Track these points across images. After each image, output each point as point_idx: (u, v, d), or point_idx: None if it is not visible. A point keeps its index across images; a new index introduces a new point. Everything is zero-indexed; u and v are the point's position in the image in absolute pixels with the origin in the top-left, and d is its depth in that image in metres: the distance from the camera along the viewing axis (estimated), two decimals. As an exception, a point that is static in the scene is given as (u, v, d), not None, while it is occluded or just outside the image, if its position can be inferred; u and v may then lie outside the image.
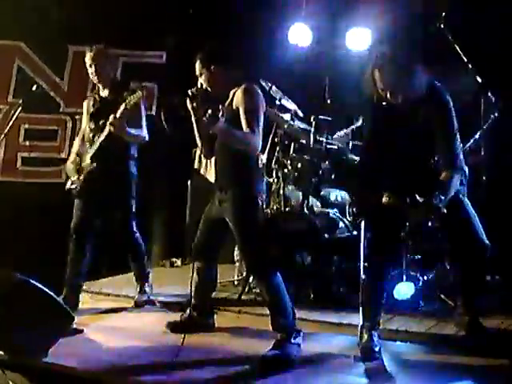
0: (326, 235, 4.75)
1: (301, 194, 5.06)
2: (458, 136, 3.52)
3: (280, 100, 5.29)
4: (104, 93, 4.63)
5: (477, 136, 4.62)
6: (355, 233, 4.82)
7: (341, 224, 5.00)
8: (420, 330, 3.99)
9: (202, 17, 6.32)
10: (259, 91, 3.87)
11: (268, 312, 3.87)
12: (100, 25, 6.27)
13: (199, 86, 3.90)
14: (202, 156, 4.35)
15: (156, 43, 6.64)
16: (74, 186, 4.60)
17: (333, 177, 5.19)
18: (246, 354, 3.80)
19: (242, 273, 5.12)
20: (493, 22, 5.04)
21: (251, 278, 4.80)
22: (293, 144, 5.45)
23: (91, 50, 4.52)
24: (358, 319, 3.81)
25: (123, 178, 4.64)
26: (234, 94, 3.84)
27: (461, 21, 4.79)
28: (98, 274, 5.06)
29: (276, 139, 5.31)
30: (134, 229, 4.75)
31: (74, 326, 4.03)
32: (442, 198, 3.25)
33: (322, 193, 5.23)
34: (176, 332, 4.20)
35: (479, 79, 4.40)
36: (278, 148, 5.31)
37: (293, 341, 3.71)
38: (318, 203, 5.22)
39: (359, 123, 5.22)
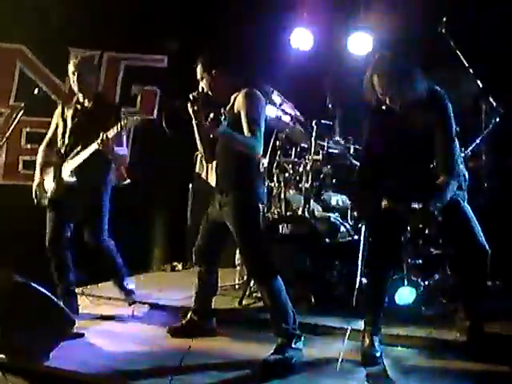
0: (327, 239, 4.74)
1: (302, 198, 5.05)
2: (456, 141, 3.53)
3: (281, 104, 5.29)
4: (85, 103, 4.52)
5: (478, 141, 4.63)
6: (356, 237, 4.82)
7: (342, 228, 5.01)
8: (421, 335, 3.99)
9: (203, 21, 6.33)
10: (260, 95, 3.88)
11: (269, 316, 3.87)
12: (101, 28, 6.29)
13: (200, 90, 3.91)
14: (203, 160, 4.34)
15: (158, 47, 6.66)
16: (46, 196, 4.52)
17: (334, 181, 5.21)
18: (247, 358, 3.80)
19: (243, 277, 5.12)
20: (494, 26, 5.05)
21: (252, 282, 4.80)
22: (294, 148, 5.46)
23: (76, 58, 4.46)
24: (359, 324, 3.80)
25: (99, 191, 4.56)
26: (235, 98, 3.84)
27: (462, 25, 4.80)
28: (99, 278, 5.03)
29: (277, 143, 5.32)
30: (104, 238, 4.61)
31: (75, 329, 4.03)
32: (438, 204, 3.26)
33: (323, 197, 5.23)
34: (177, 336, 4.21)
35: (480, 84, 4.41)
36: (279, 152, 5.32)
37: (294, 345, 3.71)
38: (319, 207, 5.22)
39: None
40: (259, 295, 4.30)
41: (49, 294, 3.78)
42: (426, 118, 3.48)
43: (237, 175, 3.87)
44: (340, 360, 3.57)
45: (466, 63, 4.36)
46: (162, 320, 4.64)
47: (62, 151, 4.51)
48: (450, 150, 3.49)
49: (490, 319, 3.82)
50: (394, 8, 5.43)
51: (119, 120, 4.31)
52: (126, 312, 4.83)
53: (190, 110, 3.78)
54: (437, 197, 3.33)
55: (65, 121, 4.55)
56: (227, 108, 3.88)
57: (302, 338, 3.78)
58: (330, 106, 5.55)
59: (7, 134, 4.17)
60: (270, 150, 5.24)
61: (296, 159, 5.40)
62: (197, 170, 6.00)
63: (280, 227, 4.87)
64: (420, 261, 4.67)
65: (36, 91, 4.28)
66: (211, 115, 3.52)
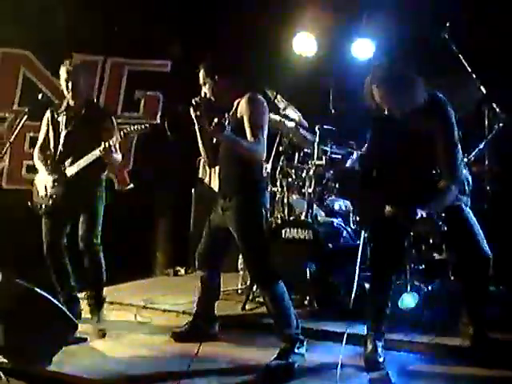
0: (329, 244, 4.74)
1: (305, 202, 5.06)
2: (459, 147, 3.52)
3: (284, 109, 5.31)
4: (75, 109, 4.48)
5: (481, 146, 4.63)
6: (359, 242, 4.81)
7: (345, 233, 5.01)
8: (424, 341, 3.98)
9: (206, 26, 6.35)
10: (263, 100, 3.88)
11: (272, 321, 3.86)
12: (105, 33, 6.31)
13: (203, 95, 3.92)
14: (206, 165, 4.35)
15: (161, 52, 6.67)
16: (41, 202, 4.48)
17: (337, 186, 5.21)
18: (250, 363, 3.80)
19: (246, 281, 5.12)
20: (497, 32, 5.05)
21: (255, 287, 4.80)
22: (297, 153, 5.47)
23: (69, 65, 4.42)
24: (362, 329, 3.80)
25: (93, 197, 4.50)
26: (238, 103, 3.85)
27: (465, 31, 4.80)
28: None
29: (280, 148, 5.33)
30: (95, 243, 4.51)
31: (78, 334, 4.03)
32: (437, 208, 3.25)
33: (326, 202, 5.23)
34: (180, 341, 4.21)
35: (483, 90, 4.41)
36: (282, 157, 5.33)
37: (296, 350, 3.71)
38: (322, 212, 5.22)
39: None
40: (262, 300, 4.30)
41: (52, 298, 3.79)
42: (427, 124, 3.47)
43: (240, 180, 3.88)
44: (340, 365, 3.56)
45: (468, 68, 4.36)
46: (164, 325, 4.64)
47: (57, 158, 4.48)
48: (452, 156, 3.48)
49: (494, 325, 3.81)
50: (397, 13, 5.43)
51: (115, 127, 4.35)
52: (128, 317, 4.84)
53: (193, 116, 3.79)
54: (436, 200, 3.33)
55: (55, 126, 4.51)
56: (230, 113, 3.89)
57: (305, 343, 3.78)
58: (333, 111, 5.56)
59: (11, 139, 4.17)
60: (273, 154, 5.25)
61: (299, 164, 5.41)
62: (200, 174, 6.03)
63: (283, 232, 4.87)
64: (423, 266, 4.67)
65: (40, 96, 4.29)
66: (215, 120, 3.53)
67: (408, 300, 4.31)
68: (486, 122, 4.49)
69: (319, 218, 5.08)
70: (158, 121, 6.69)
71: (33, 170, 5.60)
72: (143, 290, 5.65)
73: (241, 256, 5.08)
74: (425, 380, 3.53)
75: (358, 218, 5.06)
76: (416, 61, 3.70)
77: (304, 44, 6.13)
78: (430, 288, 4.45)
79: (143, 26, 6.30)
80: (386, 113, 3.52)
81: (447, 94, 3.55)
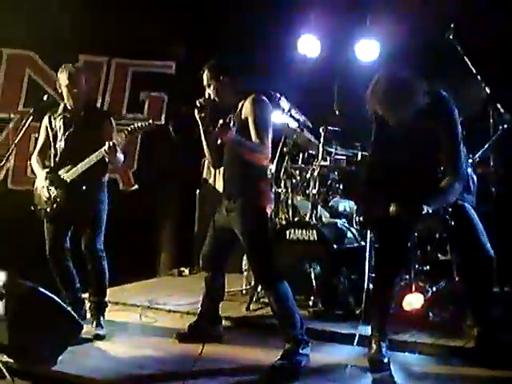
0: (334, 245, 4.74)
1: (309, 204, 5.06)
2: (462, 145, 3.52)
3: (289, 111, 5.30)
4: (74, 112, 4.44)
5: (486, 147, 4.62)
6: (363, 243, 4.82)
7: (349, 234, 5.01)
8: (428, 342, 3.98)
9: (211, 27, 6.36)
10: (268, 102, 3.89)
11: (276, 322, 3.87)
12: (110, 34, 6.32)
13: (207, 96, 3.92)
14: (211, 166, 4.35)
15: (166, 53, 6.68)
16: (44, 206, 4.44)
17: (341, 187, 5.21)
18: (254, 363, 3.79)
19: (251, 282, 5.12)
20: (502, 33, 5.05)
21: (259, 288, 4.80)
22: (301, 154, 5.47)
23: (71, 67, 4.39)
24: (366, 330, 3.80)
25: (96, 199, 4.46)
26: (243, 104, 3.85)
27: (470, 32, 4.80)
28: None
29: (285, 149, 5.33)
30: (100, 246, 4.46)
31: (83, 335, 4.04)
32: (440, 205, 3.24)
33: (330, 203, 5.23)
34: (184, 342, 4.21)
35: (488, 90, 4.40)
36: (286, 158, 5.34)
37: (301, 351, 3.71)
38: (327, 213, 5.22)
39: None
40: (266, 301, 4.31)
41: (57, 298, 3.80)
42: (431, 122, 3.47)
43: (244, 181, 3.88)
44: (349, 366, 3.57)
45: (473, 69, 4.36)
46: (169, 325, 4.64)
47: (57, 161, 4.45)
48: (455, 152, 3.48)
49: (498, 325, 3.80)
50: (402, 14, 5.43)
51: (114, 129, 4.33)
52: (133, 317, 4.85)
53: (197, 117, 3.79)
54: (440, 197, 3.32)
55: (53, 130, 4.48)
56: (234, 114, 3.89)
57: (310, 344, 3.77)
58: (337, 112, 5.56)
59: (16, 140, 4.18)
60: (277, 156, 5.26)
61: (303, 165, 5.41)
62: (204, 175, 6.04)
63: (287, 233, 4.87)
64: (428, 267, 4.66)
65: (45, 97, 4.30)
66: (220, 121, 3.54)
67: (413, 301, 4.31)
68: (491, 123, 4.48)
69: (323, 219, 5.08)
70: (163, 122, 6.71)
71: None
72: (148, 290, 5.66)
73: (245, 257, 5.09)
74: (429, 381, 3.53)
75: (361, 219, 5.06)
76: (418, 63, 3.69)
77: (308, 45, 6.14)
78: (434, 289, 4.45)
79: (147, 27, 6.30)
80: (390, 123, 3.52)
81: (452, 95, 3.55)
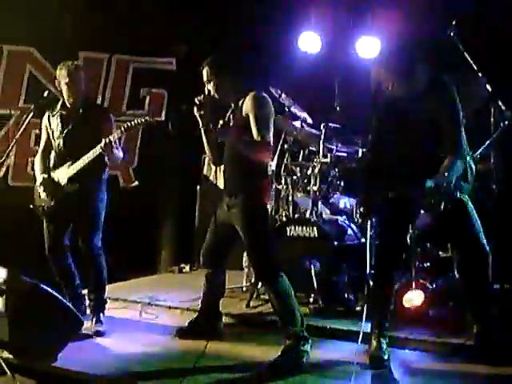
0: (335, 242, 4.74)
1: (310, 200, 5.06)
2: (462, 127, 3.53)
3: (290, 107, 5.31)
4: (72, 109, 4.42)
5: (487, 144, 4.62)
6: (364, 240, 4.82)
7: (349, 231, 5.02)
8: (429, 339, 3.98)
9: (212, 24, 6.35)
10: (268, 98, 3.89)
11: (276, 318, 3.87)
12: (110, 30, 6.31)
13: (206, 92, 3.92)
14: (211, 163, 4.34)
15: (166, 49, 6.68)
16: (43, 204, 4.43)
17: (342, 184, 5.21)
18: (254, 360, 3.80)
19: (251, 279, 5.12)
20: (504, 30, 5.04)
21: (260, 285, 4.81)
22: (302, 151, 5.47)
23: (70, 66, 4.37)
24: (367, 326, 3.80)
25: (95, 197, 4.43)
26: (243, 101, 3.85)
27: (471, 29, 4.79)
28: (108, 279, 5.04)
29: (285, 146, 5.33)
30: (98, 243, 4.44)
31: (83, 331, 4.04)
32: (443, 182, 3.24)
33: (331, 200, 5.23)
34: (184, 338, 4.21)
35: (489, 88, 4.40)
36: (287, 155, 5.34)
37: (301, 348, 3.71)
38: (327, 210, 5.23)
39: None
40: (266, 297, 4.31)
41: (57, 294, 3.80)
42: (432, 103, 3.49)
43: (245, 178, 3.88)
44: (348, 362, 3.58)
45: (475, 66, 4.35)
46: (169, 322, 4.65)
47: (57, 159, 4.45)
48: (456, 133, 3.50)
49: (498, 323, 3.80)
50: (403, 11, 5.42)
51: (114, 125, 4.33)
52: (133, 313, 4.85)
53: (197, 115, 3.79)
54: (442, 174, 3.32)
55: (52, 128, 4.47)
56: (235, 111, 3.89)
57: (310, 341, 3.78)
58: (337, 108, 5.56)
59: (17, 136, 4.17)
60: (278, 152, 5.25)
61: (304, 162, 5.41)
62: (205, 172, 6.04)
63: (288, 230, 4.87)
64: (428, 264, 4.67)
65: (46, 94, 4.29)
66: (221, 122, 3.53)
67: (413, 298, 4.32)
68: (492, 120, 4.48)
69: (324, 216, 5.08)
70: (163, 118, 6.71)
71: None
72: (148, 286, 5.66)
73: (245, 253, 5.09)
74: (429, 378, 3.53)
75: (361, 209, 5.05)
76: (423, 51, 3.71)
77: (309, 42, 6.13)
78: (434, 286, 4.45)
79: (148, 24, 6.30)
80: (391, 95, 3.53)
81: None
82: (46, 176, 4.44)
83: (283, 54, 6.21)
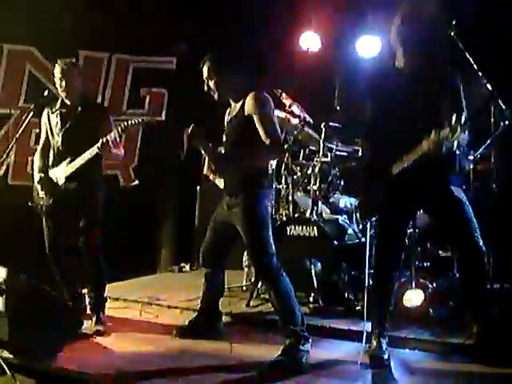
0: (335, 242, 4.74)
1: (310, 200, 5.06)
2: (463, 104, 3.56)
3: (290, 106, 5.30)
4: (71, 107, 4.42)
5: (487, 144, 4.62)
6: (364, 239, 4.82)
7: (349, 230, 5.01)
8: (429, 338, 3.97)
9: (212, 22, 6.35)
10: (269, 97, 3.88)
11: (277, 317, 3.87)
12: (110, 30, 6.31)
13: (206, 89, 3.91)
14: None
15: (166, 49, 6.68)
16: (41, 203, 4.43)
17: (342, 183, 5.21)
18: (255, 359, 3.79)
19: (251, 278, 5.13)
20: (504, 29, 5.04)
21: (260, 284, 4.80)
22: (302, 150, 5.47)
23: (63, 64, 4.36)
24: (367, 326, 3.80)
25: (93, 195, 4.43)
26: (244, 101, 3.84)
27: (472, 28, 4.78)
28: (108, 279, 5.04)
29: (285, 146, 5.32)
30: (97, 243, 4.44)
31: (83, 330, 4.04)
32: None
33: (331, 199, 5.23)
34: (184, 337, 4.21)
35: (490, 87, 4.39)
36: (287, 154, 5.33)
37: (301, 347, 3.71)
38: (327, 209, 5.22)
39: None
40: (267, 297, 4.31)
41: (56, 294, 3.80)
42: (435, 84, 3.51)
43: (245, 177, 3.87)
44: (348, 362, 3.58)
45: (475, 66, 4.35)
46: (169, 321, 4.65)
47: (56, 157, 4.44)
48: (459, 104, 3.52)
49: (498, 323, 3.80)
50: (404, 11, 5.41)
51: (112, 124, 4.32)
52: (133, 313, 4.85)
53: (193, 144, 3.85)
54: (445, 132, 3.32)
55: (51, 125, 4.47)
56: (236, 111, 3.89)
57: (310, 340, 3.77)
58: (338, 108, 5.55)
59: (17, 135, 4.17)
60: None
61: (304, 161, 5.42)
62: (205, 171, 6.02)
63: (288, 229, 4.87)
64: (428, 263, 4.66)
65: (46, 93, 4.29)
66: (222, 150, 3.70)
67: (413, 297, 4.31)
68: (492, 120, 4.48)
69: (324, 216, 5.08)
70: (163, 117, 6.72)
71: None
72: (148, 286, 5.67)
73: (245, 253, 5.09)
74: (429, 377, 3.52)
75: (361, 208, 5.04)
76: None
77: (309, 42, 6.13)
78: (434, 285, 4.45)
79: (148, 23, 6.30)
80: (401, 65, 3.55)
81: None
82: (43, 174, 4.45)
83: (283, 54, 6.21)
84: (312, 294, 4.66)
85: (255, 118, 3.75)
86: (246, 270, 5.27)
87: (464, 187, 4.78)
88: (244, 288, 5.23)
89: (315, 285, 4.66)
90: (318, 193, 5.04)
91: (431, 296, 4.37)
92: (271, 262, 3.80)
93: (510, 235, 4.53)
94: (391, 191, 3.59)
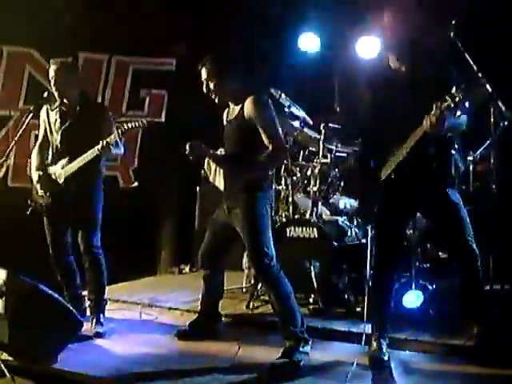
0: (335, 243, 4.74)
1: (310, 201, 5.05)
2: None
3: (289, 107, 5.30)
4: (69, 106, 4.39)
5: (487, 144, 4.62)
6: (364, 241, 4.81)
7: (350, 232, 5.00)
8: (429, 340, 3.97)
9: (212, 24, 6.35)
10: (268, 100, 3.88)
11: (277, 319, 3.86)
12: (110, 32, 6.31)
13: (206, 90, 3.91)
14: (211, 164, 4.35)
15: (166, 50, 6.67)
16: (41, 201, 4.43)
17: (342, 184, 5.20)
18: (254, 361, 3.79)
19: (251, 280, 5.12)
20: (504, 29, 5.04)
21: (260, 285, 4.80)
22: (302, 152, 5.47)
23: (55, 64, 4.34)
24: (367, 327, 3.79)
25: (93, 197, 4.43)
26: (243, 105, 3.84)
27: (471, 29, 4.78)
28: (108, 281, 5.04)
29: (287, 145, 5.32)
30: (97, 244, 4.43)
31: (83, 332, 4.04)
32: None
33: (331, 200, 5.22)
34: (184, 339, 4.21)
35: (489, 88, 4.39)
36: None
37: (301, 349, 3.71)
38: (327, 211, 5.22)
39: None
40: (267, 298, 4.31)
41: (57, 295, 3.80)
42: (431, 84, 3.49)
43: (246, 181, 3.87)
44: (348, 364, 3.57)
45: (475, 67, 4.34)
46: (169, 323, 4.64)
47: (54, 155, 4.43)
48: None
49: (498, 324, 3.80)
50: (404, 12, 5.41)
51: (113, 123, 4.33)
52: (133, 314, 4.84)
53: (194, 159, 3.90)
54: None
55: (51, 123, 4.45)
56: (235, 115, 3.88)
57: (310, 342, 3.77)
58: (337, 109, 5.55)
59: (16, 137, 4.17)
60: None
61: (304, 162, 5.41)
62: (204, 173, 6.02)
63: (288, 230, 4.87)
64: (428, 265, 4.66)
65: (45, 95, 4.29)
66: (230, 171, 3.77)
67: (413, 299, 4.31)
68: (492, 120, 4.48)
69: (324, 217, 5.08)
70: (163, 119, 6.71)
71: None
72: (148, 287, 5.66)
73: (245, 254, 5.09)
74: (429, 379, 3.52)
75: (361, 210, 5.04)
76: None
77: (308, 43, 6.13)
78: (435, 287, 4.45)
79: (148, 25, 6.30)
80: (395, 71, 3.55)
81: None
82: (41, 173, 4.44)
83: (283, 55, 6.21)
84: (312, 296, 4.66)
85: (256, 122, 3.75)
86: (245, 271, 5.26)
87: (464, 187, 4.81)
88: (244, 289, 5.22)
89: (315, 286, 4.66)
90: (317, 194, 5.04)
91: (431, 297, 4.37)
92: (271, 264, 3.80)
93: (510, 236, 4.52)
94: (389, 192, 3.58)
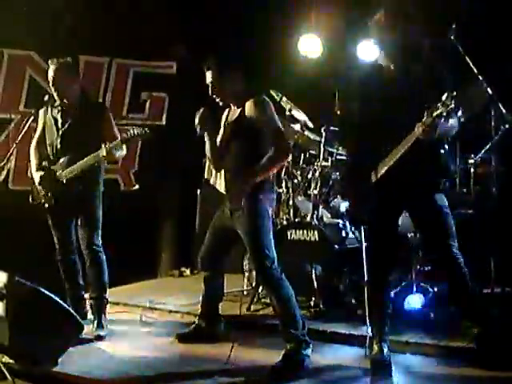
0: (335, 246, 4.74)
1: (310, 204, 5.05)
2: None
3: (290, 110, 5.30)
4: (69, 107, 4.40)
5: (487, 147, 4.62)
6: (364, 243, 4.81)
7: (350, 234, 5.00)
8: (430, 342, 3.97)
9: (213, 27, 6.35)
10: (269, 101, 3.89)
11: (278, 322, 3.86)
12: (110, 35, 6.32)
13: (211, 93, 3.92)
14: (212, 167, 4.35)
15: (166, 53, 6.68)
16: (43, 201, 4.44)
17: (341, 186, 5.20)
18: (255, 364, 3.80)
19: (252, 283, 5.12)
20: (504, 32, 5.05)
21: (261, 288, 4.80)
22: (303, 155, 5.47)
23: (52, 64, 4.34)
24: (368, 330, 3.79)
25: (93, 198, 4.45)
26: (244, 106, 3.84)
27: (471, 32, 4.79)
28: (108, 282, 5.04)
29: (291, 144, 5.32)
30: (98, 243, 4.45)
31: (84, 335, 4.03)
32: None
33: (331, 203, 5.22)
34: (185, 342, 4.22)
35: (490, 91, 4.40)
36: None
37: (302, 352, 3.70)
38: (328, 214, 5.22)
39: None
40: (268, 301, 4.31)
41: (58, 299, 3.79)
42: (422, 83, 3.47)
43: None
44: (348, 367, 3.57)
45: (475, 70, 4.35)
46: (169, 325, 4.64)
47: (54, 155, 4.44)
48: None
49: (498, 326, 3.79)
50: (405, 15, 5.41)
51: (113, 124, 4.37)
52: (134, 317, 4.84)
53: (201, 128, 3.87)
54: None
55: (51, 122, 4.46)
56: (236, 116, 3.89)
57: (311, 345, 3.77)
58: (338, 112, 5.55)
59: (17, 140, 4.18)
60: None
61: (305, 165, 5.41)
62: (205, 175, 6.03)
63: (288, 233, 4.87)
64: (429, 267, 4.65)
65: (46, 98, 4.29)
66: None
67: (414, 301, 4.31)
68: (493, 123, 4.48)
69: (325, 220, 5.08)
70: (164, 122, 6.72)
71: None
72: (148, 290, 5.66)
73: (246, 257, 5.09)
74: (430, 381, 3.52)
75: (352, 214, 5.03)
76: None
77: (309, 45, 6.13)
78: (436, 289, 4.44)
79: (148, 27, 6.30)
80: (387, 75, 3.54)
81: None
82: (42, 173, 4.45)
83: (284, 57, 6.22)
84: (313, 299, 4.65)
85: (258, 124, 3.75)
86: (246, 274, 5.26)
87: (465, 190, 4.80)
88: (245, 292, 5.21)
89: (316, 289, 4.66)
90: (318, 197, 5.03)
91: (432, 300, 4.37)
92: (272, 266, 3.80)
93: (510, 239, 4.52)
94: (380, 193, 3.56)
